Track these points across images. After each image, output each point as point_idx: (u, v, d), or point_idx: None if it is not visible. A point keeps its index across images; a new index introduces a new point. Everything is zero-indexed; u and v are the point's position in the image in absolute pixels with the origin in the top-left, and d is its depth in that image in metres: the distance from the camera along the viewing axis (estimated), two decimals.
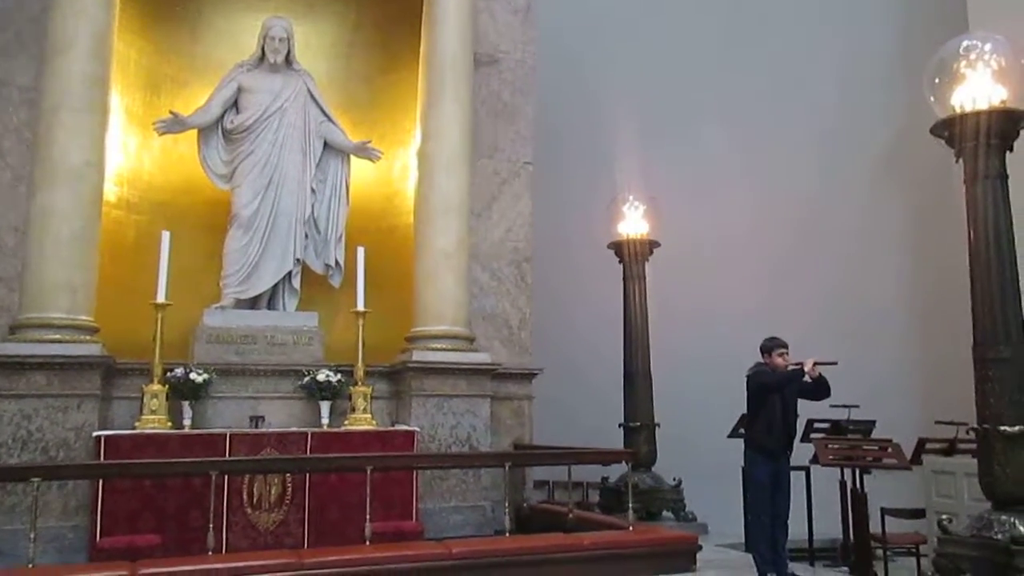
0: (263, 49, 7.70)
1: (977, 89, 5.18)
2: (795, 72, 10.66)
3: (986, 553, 4.94)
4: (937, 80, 5.35)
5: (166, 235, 6.57)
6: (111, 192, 7.30)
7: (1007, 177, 5.18)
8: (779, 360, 6.33)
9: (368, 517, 5.22)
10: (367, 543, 5.19)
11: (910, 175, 10.29)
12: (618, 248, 8.96)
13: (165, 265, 6.51)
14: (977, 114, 5.16)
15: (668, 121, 10.56)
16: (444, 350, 7.35)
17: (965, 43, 5.28)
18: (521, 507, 7.47)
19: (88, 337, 6.36)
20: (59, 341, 6.17)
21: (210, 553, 4.92)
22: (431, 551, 5.23)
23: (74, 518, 6.06)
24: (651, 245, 8.93)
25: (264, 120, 7.62)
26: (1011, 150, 5.22)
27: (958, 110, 5.24)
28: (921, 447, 6.95)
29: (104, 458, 5.93)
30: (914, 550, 6.97)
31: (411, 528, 6.59)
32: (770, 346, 6.40)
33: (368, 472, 5.36)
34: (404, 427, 7.16)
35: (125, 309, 6.86)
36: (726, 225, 10.38)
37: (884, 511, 6.85)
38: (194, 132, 7.64)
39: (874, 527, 6.73)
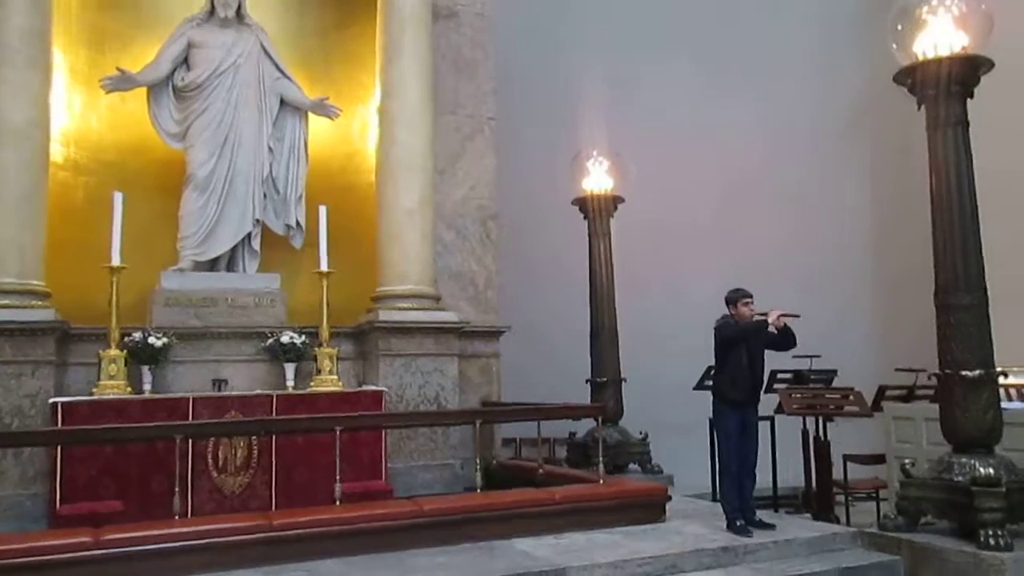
0: (212, 2, 7.45)
1: (939, 35, 5.17)
2: (763, 21, 10.59)
3: (948, 494, 5.05)
4: (900, 27, 5.33)
5: (118, 196, 6.37)
6: (57, 152, 7.06)
7: (968, 124, 5.20)
8: (745, 310, 6.34)
9: (338, 476, 5.18)
10: (337, 503, 5.15)
11: (872, 126, 10.35)
12: (582, 204, 8.89)
13: (119, 227, 6.33)
14: (938, 61, 5.15)
15: (633, 74, 10.47)
16: (410, 309, 7.28)
17: None
18: (490, 464, 7.48)
19: (39, 302, 6.18)
20: (9, 307, 5.99)
21: (176, 518, 4.86)
22: (403, 509, 5.22)
23: (32, 486, 5.94)
24: (615, 201, 8.88)
25: (216, 77, 7.39)
26: (971, 96, 5.23)
27: (920, 57, 5.23)
28: (881, 394, 7.07)
29: (63, 425, 5.78)
30: (874, 495, 7.14)
31: (380, 488, 6.56)
32: (735, 297, 6.41)
33: (337, 432, 5.30)
34: (372, 387, 7.10)
35: (78, 273, 6.66)
36: (687, 178, 10.36)
37: (846, 457, 6.99)
38: (144, 90, 7.38)
39: (836, 474, 6.86)
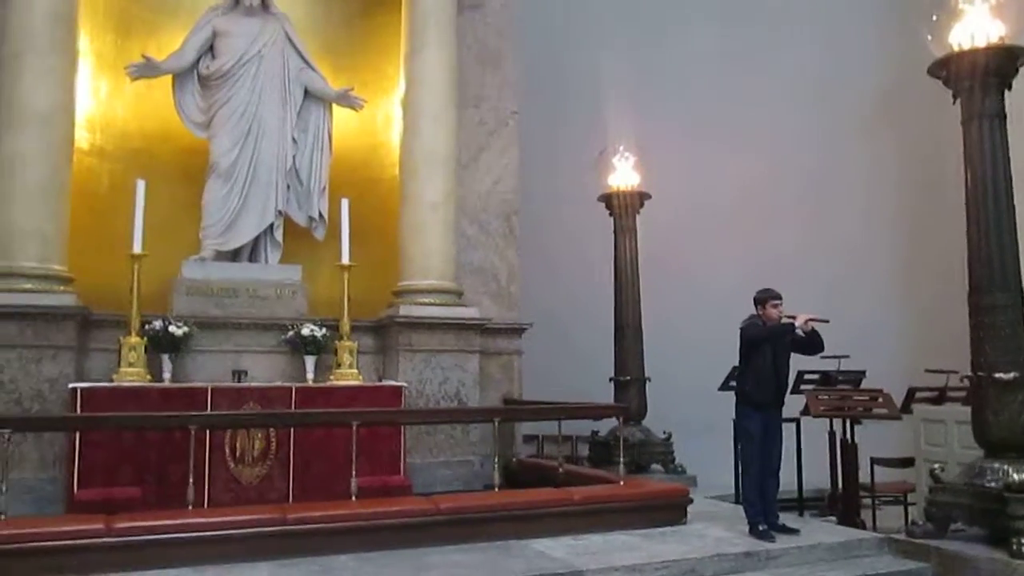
0: None
1: (975, 25, 5.01)
2: (788, 16, 10.40)
3: (979, 501, 4.89)
4: (934, 17, 5.17)
5: (141, 184, 6.37)
6: (83, 139, 7.09)
7: (1005, 117, 5.04)
8: (773, 312, 6.23)
9: (354, 471, 5.12)
10: (353, 499, 5.10)
11: (903, 118, 10.09)
12: (608, 200, 8.80)
13: (140, 215, 6.33)
14: (975, 51, 4.99)
15: (659, 70, 10.33)
16: (431, 304, 7.22)
17: None
18: (510, 462, 7.41)
19: (61, 287, 6.19)
20: (31, 291, 6.01)
21: (189, 508, 4.84)
22: (418, 506, 5.15)
23: (51, 470, 5.95)
24: (642, 197, 8.77)
25: (241, 66, 7.36)
26: (1009, 88, 5.06)
27: (956, 48, 5.07)
28: (911, 396, 6.90)
29: (81, 410, 5.78)
30: (902, 498, 6.97)
31: (398, 483, 6.50)
32: (764, 297, 6.30)
33: (354, 427, 5.25)
34: (392, 382, 7.04)
35: (101, 260, 6.69)
36: (714, 175, 10.20)
37: (874, 460, 6.82)
38: (169, 77, 7.38)
39: (864, 477, 6.70)
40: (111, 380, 6.17)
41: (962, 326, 5.25)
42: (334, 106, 7.81)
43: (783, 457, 6.41)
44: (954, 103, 5.17)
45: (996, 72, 4.98)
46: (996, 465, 4.92)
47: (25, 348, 5.99)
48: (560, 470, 6.16)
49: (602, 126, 9.21)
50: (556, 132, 10.04)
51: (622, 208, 8.67)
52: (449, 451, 7.16)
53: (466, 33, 7.91)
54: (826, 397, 6.72)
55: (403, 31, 7.54)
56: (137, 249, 6.28)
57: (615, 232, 8.74)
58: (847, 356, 7.08)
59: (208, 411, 6.06)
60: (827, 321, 6.16)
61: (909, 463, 6.88)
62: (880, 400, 6.53)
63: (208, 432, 5.89)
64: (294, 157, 7.57)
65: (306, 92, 7.66)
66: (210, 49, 7.42)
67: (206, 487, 5.91)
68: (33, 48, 6.20)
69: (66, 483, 5.76)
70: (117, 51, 7.46)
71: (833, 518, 6.78)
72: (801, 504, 7.11)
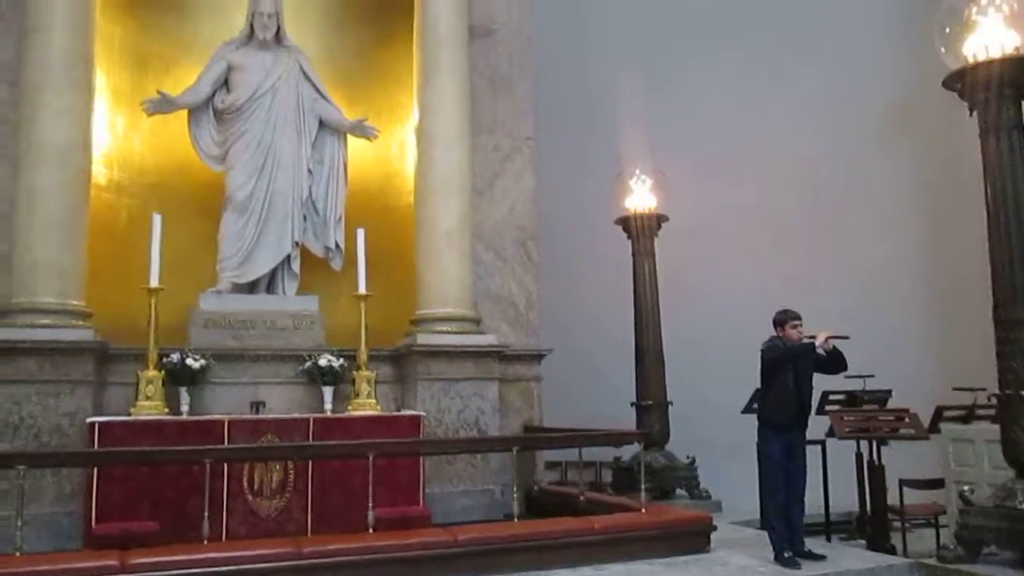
0: (252, 25, 7.53)
1: (989, 36, 4.93)
2: (798, 35, 10.35)
3: (1011, 523, 4.74)
4: (947, 29, 5.11)
5: (157, 218, 6.42)
6: (100, 174, 7.19)
7: (1023, 128, 4.93)
8: (793, 332, 6.14)
9: (371, 504, 5.08)
10: (370, 530, 5.04)
11: (919, 132, 9.97)
12: (625, 223, 8.75)
13: (157, 248, 6.37)
14: (990, 63, 4.91)
15: (672, 90, 10.31)
16: (449, 332, 7.20)
17: None
18: (532, 490, 7.32)
19: (80, 322, 6.24)
20: (49, 326, 6.07)
21: (205, 542, 4.81)
22: (436, 538, 5.08)
23: (69, 504, 5.96)
24: (659, 220, 8.71)
25: (256, 99, 7.44)
26: None
27: (970, 60, 5.00)
28: (939, 415, 6.75)
29: (98, 445, 5.79)
30: (932, 520, 6.78)
31: (417, 513, 6.42)
32: (783, 318, 6.22)
33: (371, 459, 5.21)
34: (410, 412, 7.00)
35: (119, 294, 6.73)
36: (732, 196, 10.12)
37: (902, 482, 6.66)
38: (184, 112, 7.47)
39: (892, 498, 6.53)
40: (129, 414, 6.19)
41: (990, 342, 5.12)
42: (349, 136, 7.85)
43: (808, 479, 6.29)
44: (970, 115, 5.08)
45: (1012, 83, 4.89)
46: None
47: (43, 383, 6.03)
48: (581, 498, 6.08)
49: (619, 149, 9.19)
50: (572, 156, 10.03)
51: (640, 231, 8.62)
52: (469, 480, 7.09)
53: (478, 60, 7.93)
54: (851, 418, 6.58)
55: (415, 60, 7.59)
56: (154, 283, 6.31)
57: (633, 255, 8.68)
58: (872, 376, 6.94)
59: (225, 444, 6.06)
60: (847, 337, 6.05)
61: (939, 484, 6.70)
62: (907, 420, 6.38)
63: (225, 464, 5.87)
64: (310, 188, 7.61)
65: (321, 123, 7.71)
66: (225, 83, 7.51)
67: (224, 520, 5.89)
68: (50, 85, 6.30)
69: (84, 517, 5.76)
70: (133, 87, 7.57)
71: (862, 542, 6.63)
72: (828, 528, 6.95)
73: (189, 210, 7.47)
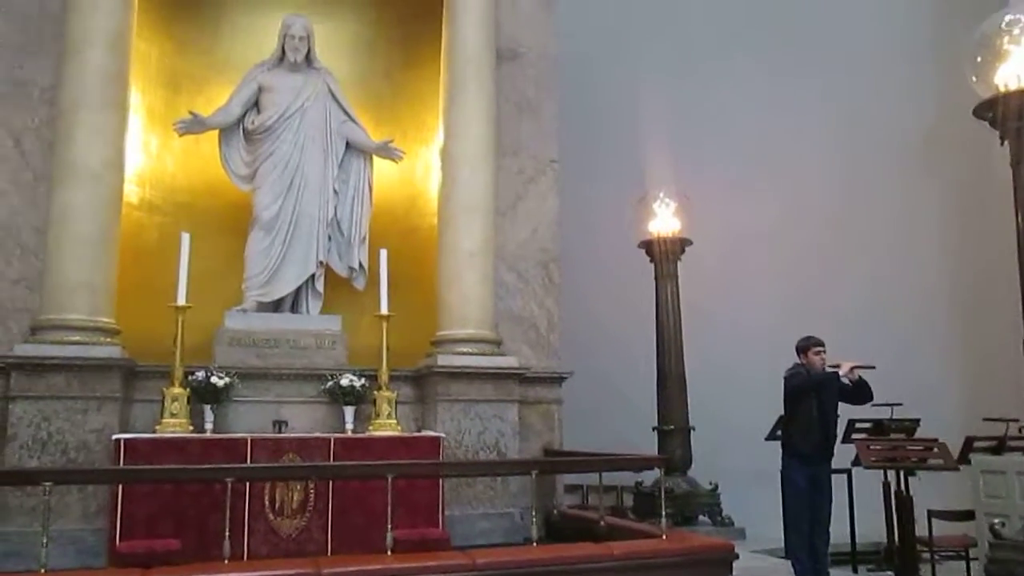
0: (283, 48, 7.61)
1: (1022, 66, 4.90)
2: (824, 59, 10.35)
3: None
4: (979, 58, 5.10)
5: (185, 236, 6.49)
6: (133, 193, 7.26)
7: None
8: (816, 359, 6.11)
9: (389, 526, 5.05)
10: (389, 552, 5.03)
11: (946, 161, 9.92)
12: (648, 247, 8.76)
13: (185, 267, 6.42)
14: (1022, 92, 4.88)
15: (697, 115, 10.34)
16: (470, 354, 7.18)
17: (1008, 18, 5.02)
18: (551, 514, 7.25)
19: (108, 339, 6.30)
20: (79, 343, 6.12)
21: (225, 561, 4.80)
22: (454, 561, 5.03)
23: (95, 521, 5.98)
24: (683, 243, 8.70)
25: (285, 120, 7.51)
26: None
27: (1002, 89, 4.97)
28: (968, 446, 6.63)
29: (124, 461, 5.84)
30: (963, 553, 6.66)
31: (436, 536, 6.40)
32: (806, 345, 6.19)
33: (389, 480, 5.20)
34: (430, 433, 6.99)
35: (148, 311, 6.77)
36: (759, 221, 10.10)
37: (931, 513, 6.55)
38: (216, 132, 7.57)
39: (920, 530, 6.42)
40: (154, 431, 6.23)
41: (1020, 372, 5.05)
42: (375, 157, 7.92)
43: (835, 508, 6.22)
44: (1001, 145, 5.04)
45: None
46: None
47: (72, 399, 6.08)
48: (601, 523, 6.01)
49: (642, 172, 9.20)
50: (596, 178, 10.04)
51: (663, 254, 8.62)
52: (488, 503, 7.05)
53: (504, 83, 7.96)
54: (878, 447, 6.49)
55: (442, 82, 7.64)
56: (181, 301, 6.37)
57: (656, 279, 8.68)
58: (900, 404, 6.86)
59: (248, 462, 6.08)
60: (873, 367, 6.00)
61: (969, 516, 6.58)
62: (936, 450, 6.26)
63: (247, 483, 5.89)
64: (335, 208, 7.66)
65: (347, 144, 7.77)
66: (255, 104, 7.59)
67: (245, 539, 5.91)
68: (86, 105, 6.40)
69: (108, 534, 5.78)
70: (167, 106, 7.68)
71: (890, 573, 6.52)
72: (855, 559, 6.87)
73: (218, 229, 7.54)
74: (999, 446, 6.74)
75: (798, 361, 6.23)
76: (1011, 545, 4.86)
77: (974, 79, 5.15)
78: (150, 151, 7.60)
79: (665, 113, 10.04)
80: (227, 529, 4.81)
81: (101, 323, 6.30)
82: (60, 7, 6.69)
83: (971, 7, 8.74)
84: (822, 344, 6.11)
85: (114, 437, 5.98)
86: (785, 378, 6.22)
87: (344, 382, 6.90)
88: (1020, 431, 5.74)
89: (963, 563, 6.62)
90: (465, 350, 7.17)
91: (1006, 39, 4.98)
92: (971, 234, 9.57)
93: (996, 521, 5.11)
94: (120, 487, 5.73)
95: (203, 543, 5.70)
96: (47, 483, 4.45)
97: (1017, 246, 5.00)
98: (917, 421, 6.94)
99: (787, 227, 10.10)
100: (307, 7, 7.96)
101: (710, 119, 10.36)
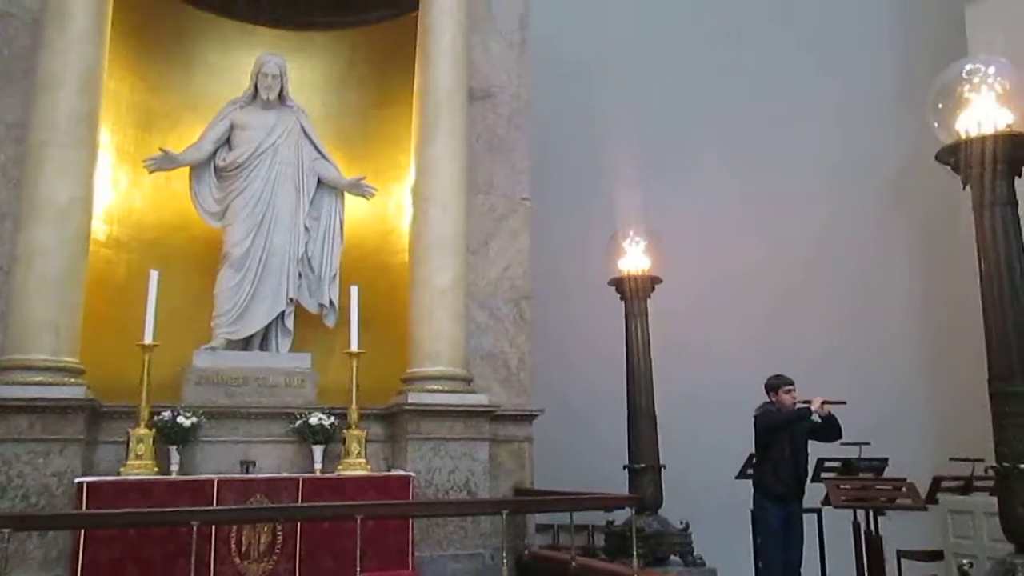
0: (256, 86, 7.63)
1: (982, 113, 5.01)
2: (796, 103, 10.56)
3: None
4: (940, 105, 5.19)
5: (154, 274, 6.42)
6: (100, 230, 7.19)
7: (1016, 203, 4.99)
8: (786, 397, 6.18)
9: (359, 568, 4.98)
10: None
11: (916, 205, 10.13)
12: (619, 285, 8.74)
13: (153, 305, 6.35)
14: (983, 139, 4.98)
15: (668, 154, 10.46)
16: (440, 391, 7.13)
17: (968, 67, 5.13)
18: (522, 555, 7.18)
19: (72, 379, 6.17)
20: (42, 383, 5.98)
21: None
22: None
23: (55, 568, 5.80)
24: (653, 281, 8.72)
25: (256, 157, 7.50)
26: (1020, 175, 5.03)
27: (963, 135, 5.07)
28: (936, 486, 6.69)
29: (86, 505, 5.70)
30: None
31: None
32: (776, 384, 6.26)
33: (358, 521, 5.13)
34: (400, 472, 6.92)
35: (115, 350, 6.69)
36: (729, 260, 10.20)
37: (900, 553, 6.59)
38: (186, 169, 7.53)
39: (890, 570, 6.46)
40: (119, 473, 6.10)
41: (986, 412, 5.11)
42: (346, 194, 7.92)
43: (804, 548, 6.23)
44: (964, 189, 5.15)
45: (1006, 159, 4.95)
46: None
47: (34, 442, 5.93)
48: (573, 563, 5.95)
49: (613, 210, 9.27)
50: (567, 215, 10.11)
51: (633, 292, 8.60)
52: (459, 543, 6.97)
53: (476, 122, 8.03)
54: (848, 487, 6.53)
55: (414, 122, 7.68)
56: (149, 339, 6.28)
57: (626, 317, 8.66)
58: (868, 443, 6.92)
59: (214, 504, 5.97)
60: (844, 403, 6.07)
61: (938, 556, 6.63)
62: (904, 489, 6.33)
63: (213, 527, 5.78)
64: (306, 245, 7.64)
65: (319, 181, 7.78)
66: (227, 141, 7.59)
67: None
68: (55, 143, 6.32)
69: None
70: (138, 144, 7.63)
71: None
72: None
73: (187, 267, 7.49)
74: (966, 486, 6.81)
75: (768, 400, 6.27)
76: None
77: (936, 125, 5.25)
78: (119, 188, 7.53)
79: (636, 150, 10.15)
80: (192, 574, 4.72)
81: (65, 363, 6.18)
82: (30, 44, 6.65)
83: (935, 55, 9.04)
84: (792, 383, 6.18)
85: (76, 480, 5.85)
86: (756, 416, 6.27)
87: (313, 421, 6.82)
88: (986, 471, 5.80)
89: None
90: (436, 387, 7.13)
91: (967, 87, 5.08)
92: (939, 274, 9.74)
93: (964, 562, 5.13)
94: (82, 532, 5.59)
95: None
96: (6, 529, 4.33)
97: (980, 289, 5.08)
98: (885, 460, 6.99)
99: (760, 268, 10.21)
100: (280, 46, 8.02)
101: (682, 159, 10.50)
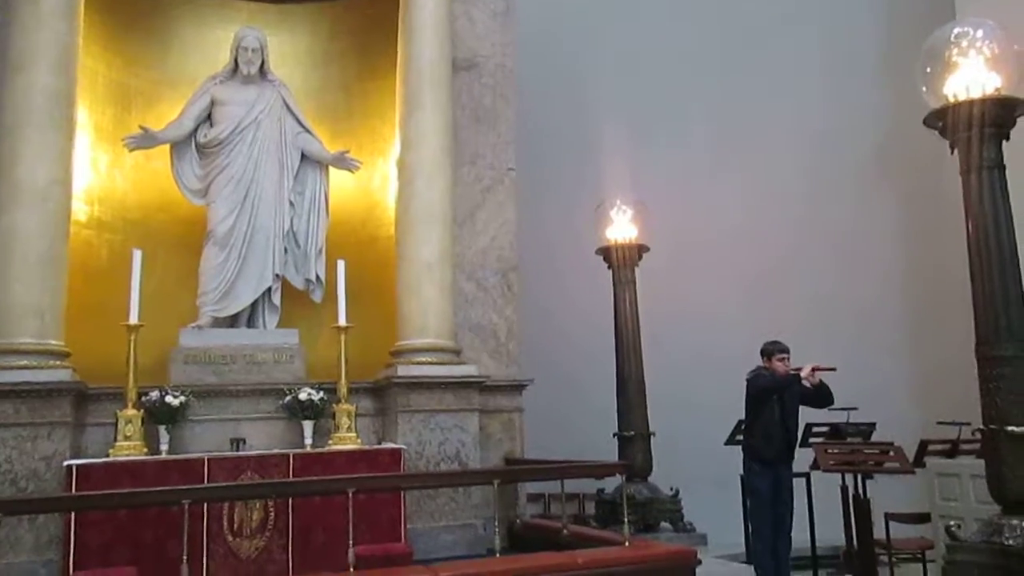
0: (236, 60, 7.50)
1: (970, 77, 4.98)
2: (781, 69, 10.51)
3: (998, 559, 4.71)
4: (928, 69, 5.15)
5: (137, 253, 6.35)
6: (81, 211, 7.10)
7: (1004, 167, 4.98)
8: (779, 365, 6.18)
9: (351, 542, 4.99)
10: (351, 569, 4.96)
11: (901, 171, 10.13)
12: (606, 253, 8.74)
13: (137, 285, 6.28)
14: (971, 103, 4.95)
15: (654, 123, 10.40)
16: (429, 364, 7.12)
17: (956, 30, 5.08)
18: (514, 523, 7.24)
19: (58, 362, 6.12)
20: (27, 367, 5.93)
21: None
22: None
23: (47, 552, 5.80)
24: (640, 249, 8.72)
25: (238, 133, 7.40)
26: (1007, 139, 5.02)
27: (951, 99, 5.04)
28: (923, 449, 6.75)
29: (76, 488, 5.68)
30: (920, 555, 6.78)
31: (399, 551, 6.32)
32: (771, 350, 6.25)
33: (350, 495, 5.13)
34: (390, 445, 6.92)
35: (100, 332, 6.63)
36: (716, 227, 10.20)
37: (888, 516, 6.66)
38: (167, 147, 7.42)
39: (878, 532, 6.53)
40: (108, 455, 6.07)
41: (972, 376, 5.14)
42: (331, 169, 7.83)
43: (794, 513, 6.29)
44: (952, 154, 5.12)
45: (993, 123, 4.92)
46: (1015, 522, 4.74)
47: (21, 426, 5.90)
48: (564, 531, 6.00)
49: (600, 179, 9.23)
50: (554, 186, 10.06)
51: (620, 261, 8.61)
52: (451, 515, 7.00)
53: (461, 92, 7.95)
54: (836, 451, 6.56)
55: (398, 94, 7.59)
56: (133, 320, 6.22)
57: (614, 285, 8.67)
58: (855, 408, 6.95)
59: (205, 483, 5.96)
60: (834, 369, 6.08)
61: (925, 518, 6.70)
62: (892, 453, 6.37)
63: (205, 505, 5.77)
64: (291, 220, 7.58)
65: (303, 156, 7.69)
66: (208, 118, 7.47)
67: (204, 563, 5.80)
68: (32, 124, 6.22)
69: (62, 565, 5.62)
70: (116, 123, 7.51)
71: None
72: (815, 563, 6.94)
73: (170, 246, 7.42)
74: (953, 449, 6.87)
75: (761, 364, 6.28)
76: (967, 547, 4.94)
77: (924, 89, 5.21)
78: (99, 169, 7.43)
79: (622, 119, 10.10)
80: (185, 554, 4.71)
81: (50, 346, 6.13)
82: (1, 24, 6.49)
83: (921, 20, 8.96)
84: (787, 351, 6.19)
85: (65, 463, 5.82)
86: (748, 379, 6.27)
87: (302, 396, 6.81)
88: (972, 434, 5.84)
89: (920, 565, 6.73)
90: (424, 360, 7.12)
91: (955, 51, 5.03)
92: (924, 240, 9.77)
93: (952, 523, 5.19)
94: (72, 515, 5.58)
95: (161, 569, 5.55)
96: None
97: (967, 252, 5.08)
98: (873, 425, 7.04)
99: (746, 235, 10.21)
100: (259, 20, 7.89)
101: (669, 128, 10.44)
